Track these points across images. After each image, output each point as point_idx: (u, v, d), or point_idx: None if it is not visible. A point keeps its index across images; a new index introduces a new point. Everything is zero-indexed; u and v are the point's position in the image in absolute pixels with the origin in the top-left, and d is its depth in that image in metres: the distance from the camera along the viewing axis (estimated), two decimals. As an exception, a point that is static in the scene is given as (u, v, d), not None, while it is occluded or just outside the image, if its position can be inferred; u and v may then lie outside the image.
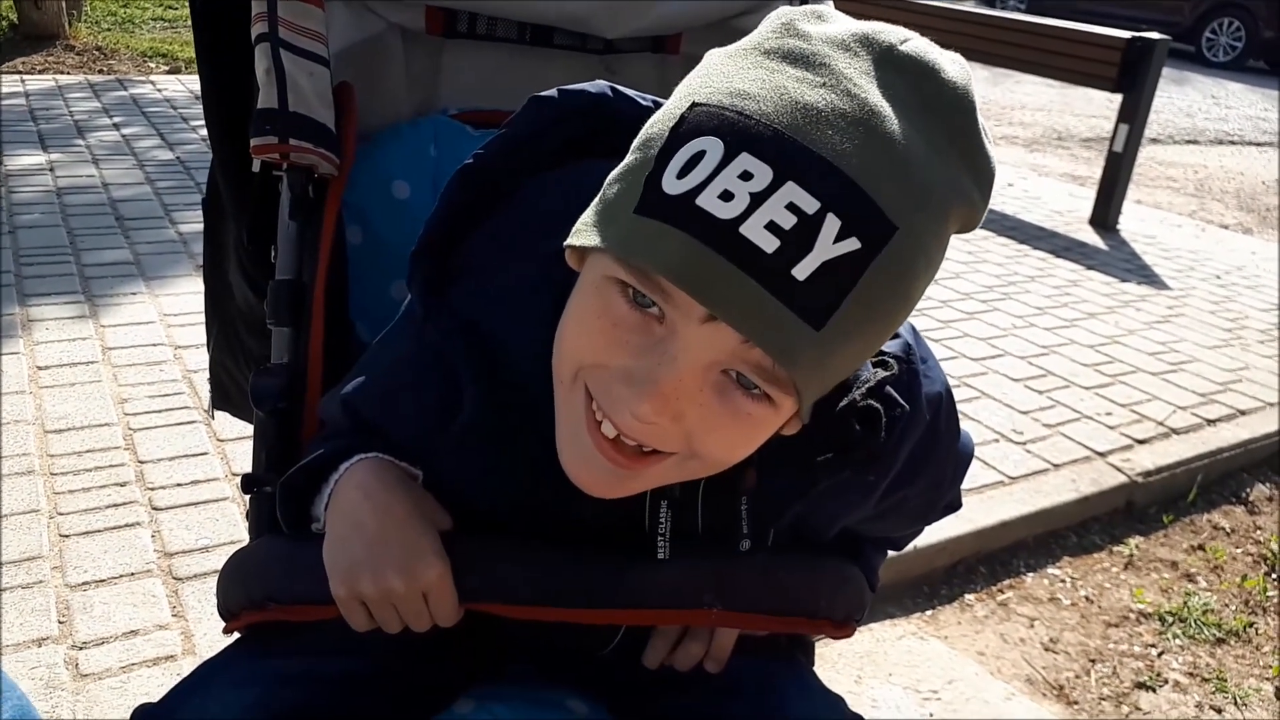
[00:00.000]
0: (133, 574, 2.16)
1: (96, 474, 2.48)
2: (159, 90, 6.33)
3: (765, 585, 0.92)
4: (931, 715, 2.16)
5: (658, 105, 0.77)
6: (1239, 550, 2.94)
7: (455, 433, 0.87)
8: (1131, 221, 5.96)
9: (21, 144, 4.92)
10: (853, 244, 0.63)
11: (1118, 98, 5.61)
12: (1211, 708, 2.29)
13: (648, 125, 0.72)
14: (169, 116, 5.72)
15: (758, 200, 0.62)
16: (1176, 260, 5.37)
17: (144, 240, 3.93)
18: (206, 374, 1.61)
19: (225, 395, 1.55)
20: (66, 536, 2.24)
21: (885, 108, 0.66)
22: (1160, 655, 2.45)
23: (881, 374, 0.84)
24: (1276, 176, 7.94)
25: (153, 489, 2.45)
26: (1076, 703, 2.26)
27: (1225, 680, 2.37)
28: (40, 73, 6.48)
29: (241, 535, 2.29)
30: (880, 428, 0.82)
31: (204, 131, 5.25)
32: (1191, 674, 2.40)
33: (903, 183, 0.65)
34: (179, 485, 2.47)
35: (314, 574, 0.88)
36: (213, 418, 1.87)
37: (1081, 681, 2.33)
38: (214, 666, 0.95)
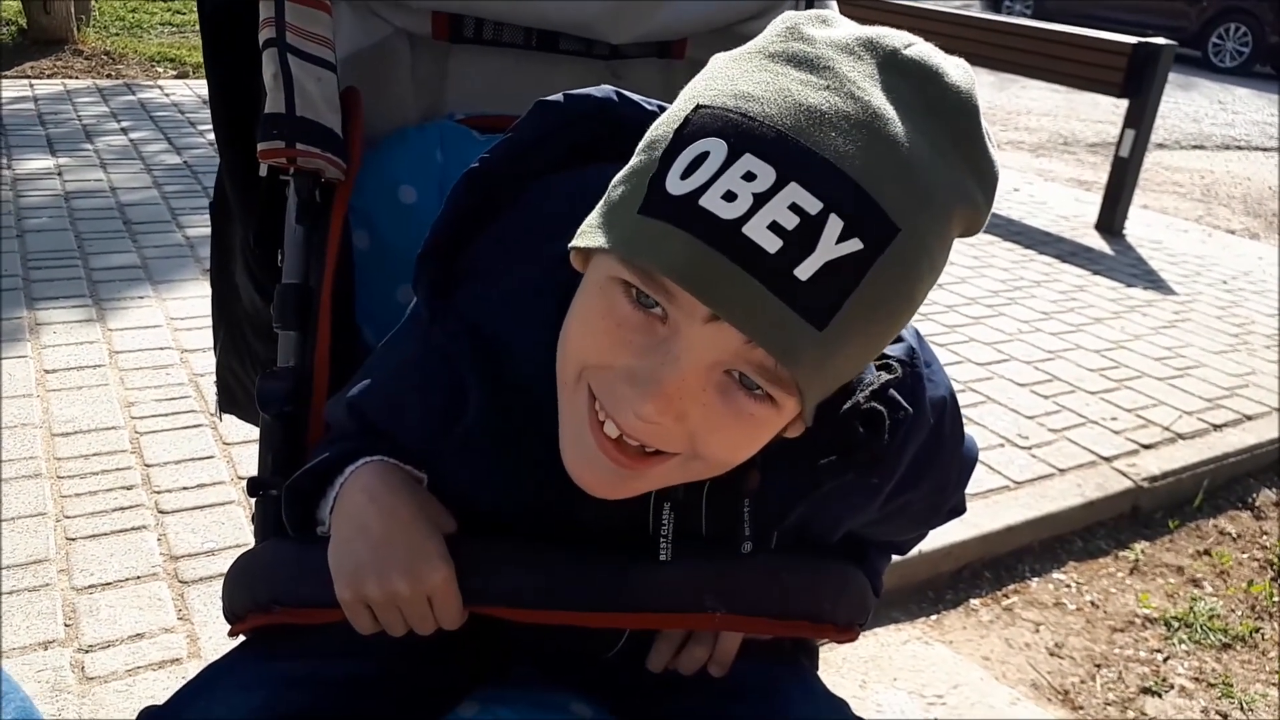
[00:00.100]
0: (139, 577, 2.16)
1: (103, 477, 2.48)
2: (167, 95, 6.35)
3: (769, 589, 0.92)
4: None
5: (663, 109, 0.77)
6: (1245, 555, 2.93)
7: (460, 435, 0.87)
8: (1138, 227, 5.95)
9: (30, 148, 4.94)
10: (855, 245, 0.63)
11: (1124, 103, 5.61)
12: (1217, 713, 2.29)
13: (653, 127, 0.72)
14: (176, 121, 5.74)
15: (761, 201, 0.63)
16: (1183, 265, 5.36)
17: (151, 244, 3.94)
18: (213, 378, 1.61)
19: (232, 398, 1.56)
20: (73, 539, 2.25)
21: (889, 110, 0.66)
22: (1166, 660, 2.45)
23: (885, 377, 0.84)
24: (1283, 181, 7.93)
25: (159, 492, 2.45)
26: (1082, 708, 2.26)
27: (1231, 685, 2.37)
28: (49, 77, 6.51)
29: (247, 538, 2.29)
30: (883, 430, 0.82)
31: (211, 136, 5.25)
32: (1197, 679, 2.39)
33: (906, 184, 0.65)
34: (185, 489, 2.48)
35: (319, 577, 0.88)
36: (220, 420, 1.87)
37: (1087, 687, 2.33)
38: (219, 669, 0.96)
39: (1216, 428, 3.45)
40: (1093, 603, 2.64)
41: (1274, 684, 2.40)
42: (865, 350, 0.72)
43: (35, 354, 3.03)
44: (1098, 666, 2.40)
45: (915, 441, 0.90)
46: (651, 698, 1.03)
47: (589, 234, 0.71)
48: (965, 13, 6.78)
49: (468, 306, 0.86)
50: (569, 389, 0.77)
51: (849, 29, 0.71)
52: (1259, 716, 2.29)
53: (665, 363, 0.69)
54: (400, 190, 1.30)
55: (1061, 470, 3.05)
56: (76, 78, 6.58)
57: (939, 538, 2.57)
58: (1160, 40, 5.39)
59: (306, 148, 1.13)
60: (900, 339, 0.90)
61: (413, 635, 0.89)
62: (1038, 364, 3.80)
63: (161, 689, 1.88)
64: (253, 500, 1.15)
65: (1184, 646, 2.50)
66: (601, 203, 0.72)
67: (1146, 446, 3.26)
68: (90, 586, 2.12)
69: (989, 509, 2.80)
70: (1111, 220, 5.76)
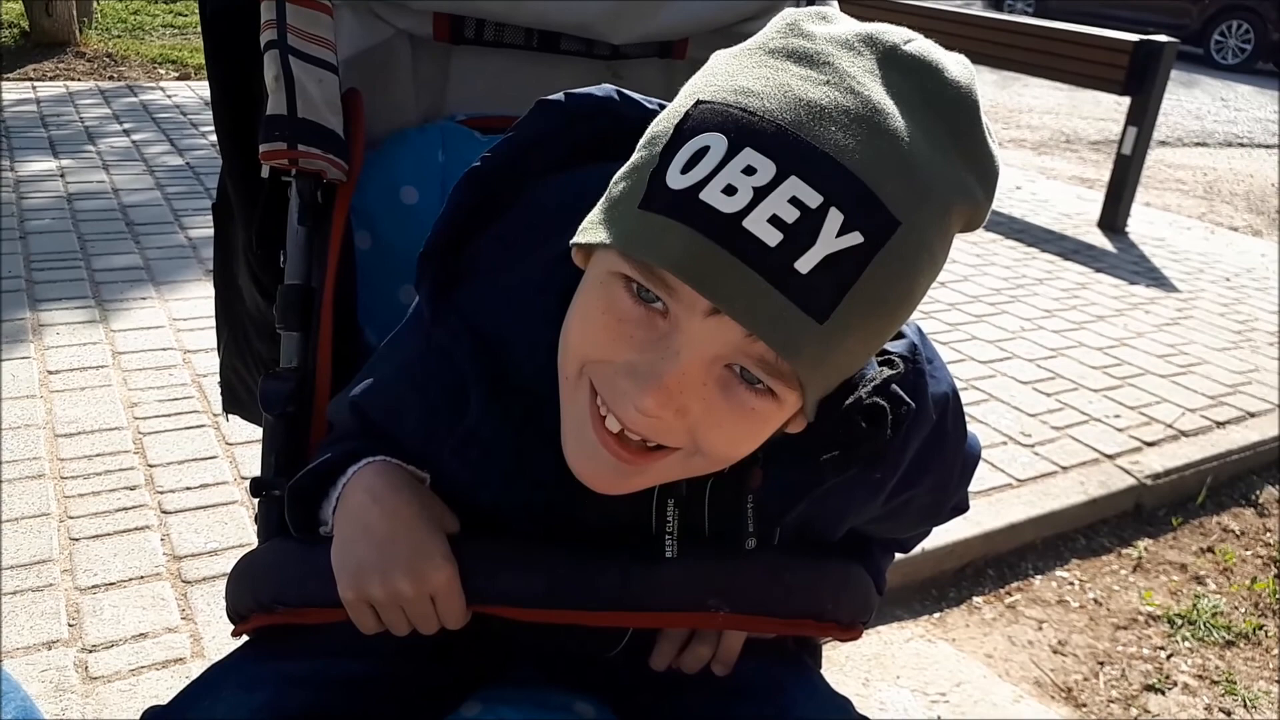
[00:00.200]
0: (142, 577, 2.17)
1: (106, 478, 2.49)
2: (169, 96, 6.36)
3: (773, 588, 0.92)
4: (939, 718, 2.16)
5: (663, 108, 0.78)
6: (1248, 553, 2.93)
7: (462, 433, 0.87)
8: (1140, 224, 5.94)
9: (33, 150, 4.95)
10: (855, 238, 0.64)
11: (1126, 100, 5.60)
12: (1221, 710, 2.29)
13: (653, 124, 0.73)
14: (178, 122, 5.75)
15: (761, 194, 0.63)
16: (1185, 263, 5.36)
17: (154, 245, 3.95)
18: (216, 378, 1.62)
19: (236, 399, 1.56)
20: (76, 540, 2.25)
21: (889, 105, 0.66)
22: (1169, 658, 2.45)
23: (887, 372, 0.84)
24: (1286, 178, 7.92)
25: (162, 493, 2.46)
26: (1085, 705, 2.26)
27: (1235, 683, 2.37)
28: (51, 79, 6.52)
29: (250, 539, 2.30)
30: (886, 425, 0.82)
31: (213, 137, 5.25)
32: (1201, 676, 2.39)
33: (905, 179, 0.65)
34: (188, 489, 2.48)
35: (322, 577, 0.88)
36: (227, 420, 1.88)
37: (1090, 684, 2.33)
38: (223, 669, 0.96)
39: (1219, 425, 3.45)
40: (1096, 600, 2.64)
41: (1277, 681, 2.40)
42: (866, 344, 0.72)
43: (38, 355, 3.03)
44: (1101, 664, 2.40)
45: (918, 437, 0.90)
46: (654, 697, 1.03)
47: (590, 230, 0.71)
48: (967, 11, 6.78)
49: (469, 305, 0.86)
50: (570, 384, 0.77)
51: (849, 25, 0.72)
52: (1262, 714, 2.29)
53: (666, 357, 0.69)
54: (402, 191, 1.30)
55: (1064, 468, 3.05)
56: (78, 80, 6.59)
57: (942, 535, 2.57)
58: (1162, 38, 5.39)
59: (308, 149, 1.13)
60: (902, 335, 0.90)
61: (416, 635, 0.89)
62: (1040, 362, 3.80)
63: (165, 689, 1.88)
64: (256, 500, 1.16)
65: (1187, 644, 2.50)
66: (602, 199, 0.72)
67: (1149, 444, 3.26)
68: (94, 586, 2.12)
69: (992, 507, 2.80)
70: (1114, 218, 5.76)
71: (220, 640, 2.01)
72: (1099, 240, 5.57)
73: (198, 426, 2.75)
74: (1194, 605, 2.64)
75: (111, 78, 6.74)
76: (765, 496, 0.89)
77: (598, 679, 1.06)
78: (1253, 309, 4.72)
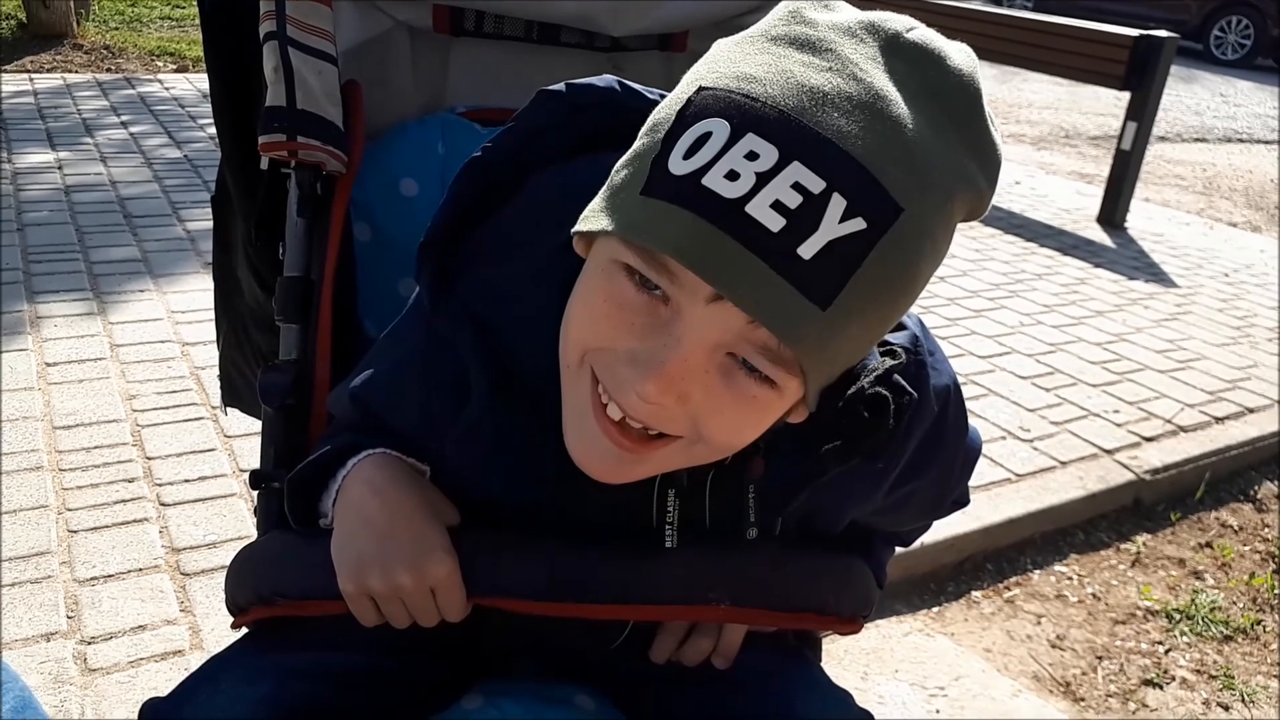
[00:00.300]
0: (141, 569, 2.17)
1: (104, 470, 2.49)
2: (167, 89, 6.34)
3: (774, 581, 0.92)
4: (938, 712, 2.16)
5: (664, 99, 0.77)
6: (1246, 548, 2.93)
7: (463, 424, 0.87)
8: (1139, 219, 5.94)
9: (30, 142, 4.94)
10: (858, 224, 0.63)
11: (1126, 95, 5.59)
12: (1219, 705, 2.29)
13: (655, 111, 0.73)
14: (176, 115, 5.74)
15: (763, 180, 0.63)
16: (1184, 258, 5.36)
17: (152, 238, 3.94)
18: (214, 371, 1.61)
19: (235, 391, 1.56)
20: (75, 532, 2.25)
21: (891, 92, 0.66)
22: (1168, 652, 2.45)
23: (889, 362, 0.84)
24: (1285, 174, 7.92)
25: (160, 485, 2.45)
26: (1083, 700, 2.26)
27: (1233, 678, 2.37)
28: (48, 71, 6.50)
29: (249, 531, 2.29)
30: (888, 415, 0.82)
31: (211, 130, 5.27)
32: (1199, 671, 2.39)
33: (908, 165, 0.65)
34: (187, 481, 2.48)
35: (322, 569, 0.88)
36: (225, 413, 1.87)
37: (1088, 678, 2.33)
38: (222, 661, 0.96)
39: (1218, 420, 3.45)
40: (1094, 595, 2.65)
41: (1275, 676, 2.40)
42: (868, 332, 0.71)
43: (36, 347, 3.03)
44: (1099, 658, 2.40)
45: (920, 428, 0.90)
46: (655, 689, 1.03)
47: (591, 218, 0.71)
48: (967, 5, 6.77)
49: (470, 295, 0.86)
50: (572, 372, 0.77)
51: (851, 13, 0.72)
52: (1260, 708, 2.29)
53: (668, 344, 0.69)
54: (401, 183, 1.30)
55: (1063, 463, 3.05)
56: (76, 72, 6.58)
57: (941, 530, 2.57)
58: (1162, 33, 5.38)
59: (308, 141, 1.13)
60: (904, 327, 0.90)
61: (416, 628, 0.89)
62: (1039, 357, 3.80)
63: (164, 681, 1.88)
64: (255, 493, 1.16)
65: (1185, 639, 2.50)
66: (604, 188, 0.72)
67: (1148, 439, 3.26)
68: (92, 579, 2.12)
69: (990, 501, 2.80)
70: (1113, 213, 5.76)
71: (219, 633, 2.01)
72: (1098, 235, 5.57)
73: (196, 419, 2.75)
74: (1192, 600, 2.64)
75: (109, 70, 6.72)
76: (767, 486, 0.89)
77: (598, 672, 1.06)
78: (1252, 304, 4.73)
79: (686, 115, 0.67)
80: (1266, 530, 3.03)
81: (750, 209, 0.63)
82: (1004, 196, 6.03)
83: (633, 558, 0.88)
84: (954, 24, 5.98)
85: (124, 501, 2.37)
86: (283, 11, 1.12)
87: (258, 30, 1.14)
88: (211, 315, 1.55)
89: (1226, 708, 2.29)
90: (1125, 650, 2.44)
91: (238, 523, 2.35)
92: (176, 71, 6.88)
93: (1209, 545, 2.92)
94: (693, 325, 0.68)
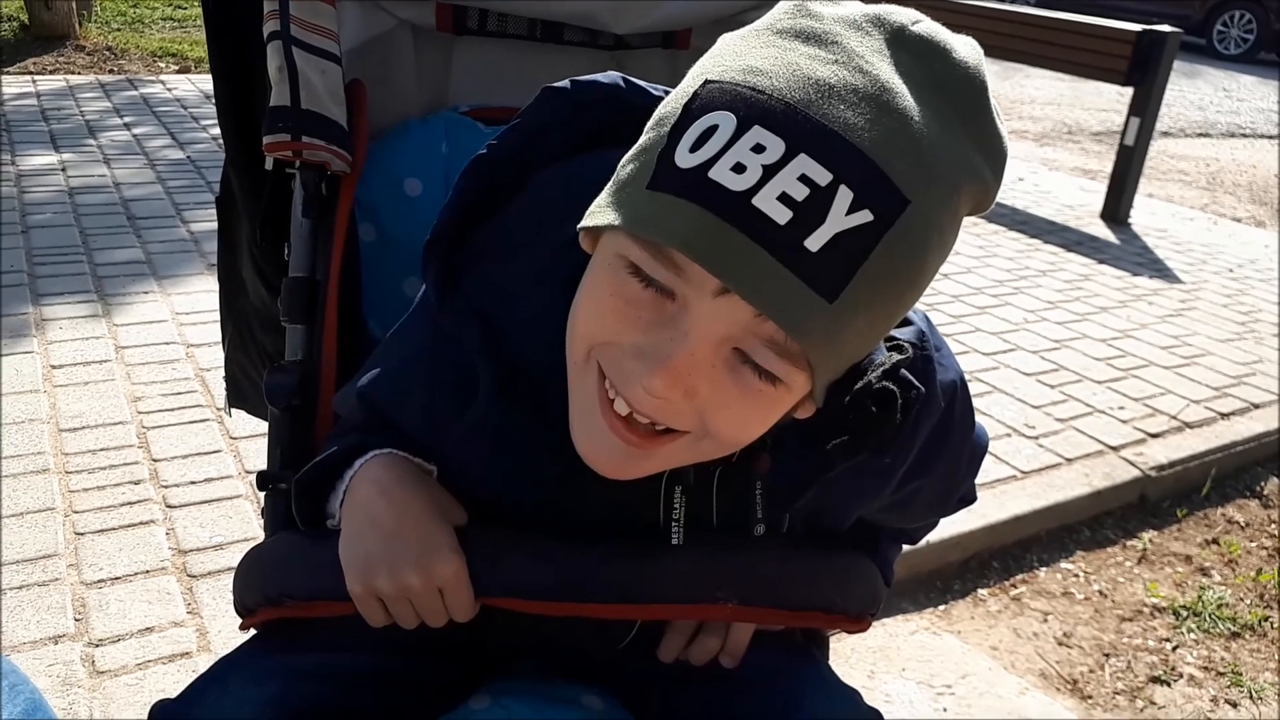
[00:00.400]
0: (148, 571, 2.17)
1: (111, 472, 2.49)
2: (169, 90, 6.35)
3: (781, 580, 0.92)
4: (945, 710, 2.16)
5: (670, 94, 0.77)
6: (1253, 544, 2.93)
7: (469, 421, 0.87)
8: (1143, 215, 5.93)
9: (33, 144, 4.94)
10: (865, 216, 0.63)
11: (1129, 91, 5.58)
12: (1226, 701, 2.28)
13: (661, 105, 0.72)
14: (179, 116, 5.74)
15: (770, 172, 0.62)
16: (1188, 254, 5.35)
17: (156, 239, 3.94)
18: (219, 372, 1.62)
19: (240, 393, 1.56)
20: (81, 534, 2.25)
21: (897, 84, 0.66)
22: (1175, 649, 2.44)
23: (896, 357, 0.84)
24: (1289, 169, 7.90)
25: (167, 487, 2.46)
26: (1090, 697, 2.26)
27: (1240, 674, 2.36)
28: (51, 73, 6.51)
29: (255, 532, 2.30)
30: (896, 409, 0.82)
31: (215, 130, 5.27)
32: (1206, 668, 2.39)
33: (914, 157, 0.65)
34: (193, 483, 2.48)
35: (330, 570, 0.88)
36: (229, 415, 1.87)
37: (1096, 676, 2.33)
38: (230, 663, 0.96)
39: (1224, 416, 3.44)
40: (1101, 592, 2.64)
41: (1283, 672, 2.40)
42: (875, 326, 0.71)
43: (41, 350, 3.03)
44: (1106, 656, 2.40)
45: (927, 423, 0.90)
46: (662, 689, 1.03)
47: (598, 213, 0.71)
48: (970, 1, 6.75)
49: (476, 292, 0.86)
50: (578, 368, 0.77)
51: (856, 6, 0.72)
52: (1268, 705, 2.29)
53: (675, 338, 0.68)
54: (406, 183, 1.30)
55: (1069, 460, 3.05)
56: (79, 73, 6.58)
57: (947, 528, 2.57)
58: (1165, 28, 5.37)
59: (312, 140, 1.13)
60: (910, 323, 0.90)
61: (423, 628, 0.88)
62: (1044, 353, 3.79)
63: (172, 683, 1.88)
64: (261, 494, 1.16)
65: (1192, 635, 2.50)
66: (610, 182, 0.72)
67: (1154, 435, 3.25)
68: (99, 581, 2.12)
69: (996, 499, 2.80)
70: (1117, 209, 5.75)
71: (227, 634, 2.01)
72: (1102, 232, 5.56)
73: (202, 420, 2.75)
74: (1199, 597, 2.63)
75: (112, 71, 6.73)
76: (774, 482, 0.88)
77: (605, 671, 1.06)
78: (1256, 300, 4.72)
79: (692, 109, 0.67)
80: (1273, 526, 3.02)
81: (757, 201, 0.62)
82: (1007, 193, 6.02)
83: (640, 557, 0.88)
84: (957, 20, 5.89)
85: (130, 504, 2.38)
86: (286, 11, 1.12)
87: (261, 30, 1.14)
88: (216, 316, 1.55)
89: (1234, 704, 2.28)
90: (1132, 647, 2.44)
91: (244, 524, 2.35)
92: (179, 72, 6.89)
93: (1215, 542, 2.92)
94: (699, 319, 0.68)
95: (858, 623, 0.98)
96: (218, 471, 2.54)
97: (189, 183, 4.61)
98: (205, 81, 6.22)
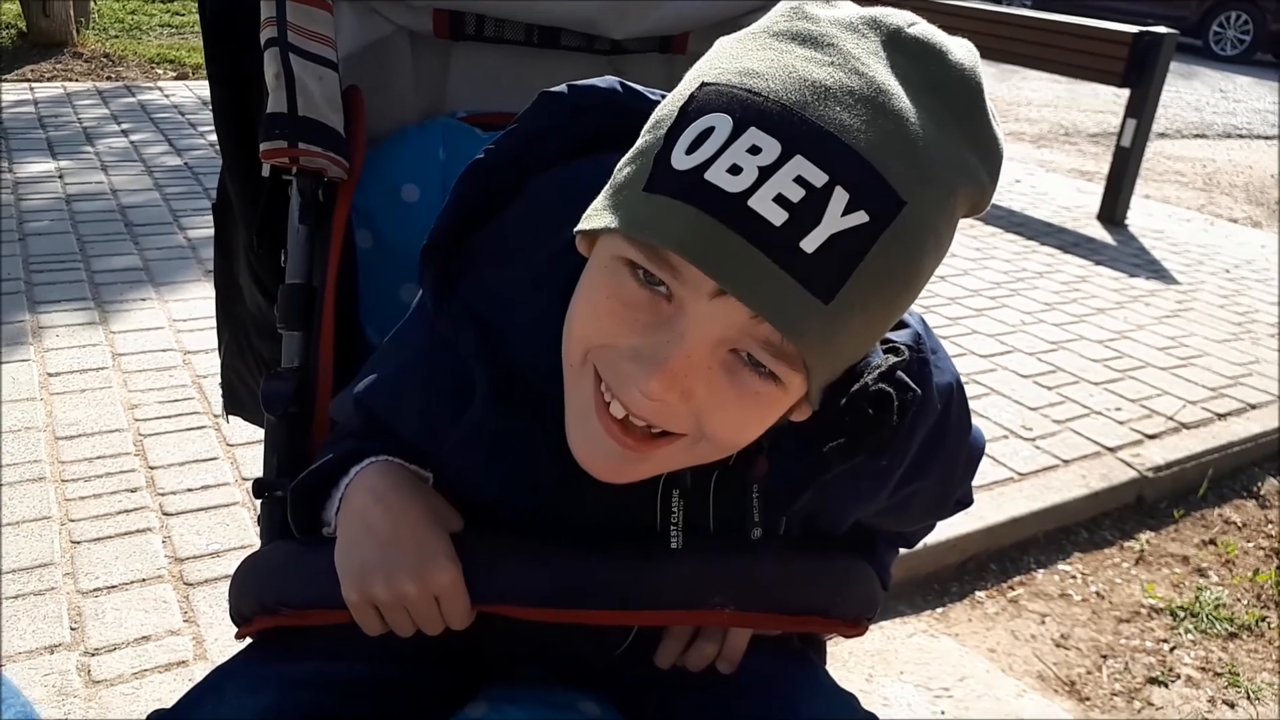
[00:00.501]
0: (144, 580, 2.16)
1: (107, 480, 2.48)
2: (167, 96, 6.35)
3: (778, 584, 0.92)
4: (943, 713, 2.16)
5: (666, 97, 0.77)
6: (1250, 544, 2.93)
7: (466, 427, 0.87)
8: (1140, 216, 5.94)
9: (31, 151, 4.94)
10: (861, 217, 0.63)
11: (1125, 92, 5.59)
12: (1224, 702, 2.29)
13: (658, 108, 0.73)
14: (177, 122, 5.74)
15: (766, 174, 0.63)
16: (1185, 255, 5.35)
17: (153, 246, 3.94)
18: (216, 379, 1.61)
19: (237, 400, 1.56)
20: (78, 543, 2.25)
21: (893, 86, 0.66)
22: (1172, 650, 2.45)
23: (892, 359, 0.84)
24: (1285, 169, 7.91)
25: (163, 494, 2.45)
26: (1088, 699, 2.26)
27: (1238, 675, 2.37)
28: (49, 80, 6.50)
29: (252, 540, 2.29)
30: (892, 411, 0.82)
31: (212, 137, 5.27)
32: (1204, 669, 2.39)
33: (910, 159, 0.65)
34: (189, 490, 2.48)
35: (326, 578, 0.88)
36: (227, 421, 1.87)
37: (1093, 677, 2.33)
38: (227, 671, 0.95)
39: (1220, 417, 3.45)
40: (1098, 593, 2.64)
41: (1281, 673, 2.40)
42: (871, 327, 0.71)
43: (38, 357, 3.03)
44: (1104, 657, 2.40)
45: (924, 426, 0.90)
46: (659, 695, 1.03)
47: (595, 216, 0.71)
48: (966, 4, 6.76)
49: (473, 298, 0.86)
50: (575, 371, 0.77)
51: (852, 9, 0.72)
52: (1266, 705, 2.29)
53: (671, 340, 0.69)
54: (403, 189, 1.30)
55: (1066, 461, 3.05)
56: (76, 80, 6.58)
57: (944, 530, 2.57)
58: (1161, 29, 5.37)
59: (309, 147, 1.13)
60: (906, 325, 0.90)
61: (420, 636, 0.88)
62: (1041, 355, 3.80)
63: (168, 692, 1.88)
64: (258, 502, 1.15)
65: (1190, 636, 2.50)
66: (607, 186, 0.72)
67: (1151, 436, 3.26)
68: (95, 589, 2.12)
69: (993, 501, 2.80)
70: (1113, 210, 5.75)
71: (223, 643, 2.01)
72: (1099, 233, 5.56)
73: (199, 428, 2.75)
74: (1196, 597, 2.63)
75: (109, 78, 6.73)
76: (771, 485, 0.88)
77: (602, 678, 1.06)
78: (1253, 300, 4.72)
79: (689, 111, 0.67)
80: (1270, 527, 3.02)
81: (753, 203, 0.63)
82: (1004, 195, 6.03)
83: (637, 562, 0.88)
84: (953, 22, 5.95)
85: (127, 512, 2.37)
86: (283, 17, 1.12)
87: (258, 36, 1.14)
88: (213, 323, 1.55)
89: (1232, 705, 2.28)
90: (1130, 649, 2.44)
91: (241, 532, 2.35)
92: (176, 79, 6.89)
93: (1212, 542, 2.92)
94: (696, 321, 0.68)
95: (855, 627, 0.98)
96: (214, 479, 2.53)
97: (186, 189, 4.61)
98: (203, 88, 6.22)
